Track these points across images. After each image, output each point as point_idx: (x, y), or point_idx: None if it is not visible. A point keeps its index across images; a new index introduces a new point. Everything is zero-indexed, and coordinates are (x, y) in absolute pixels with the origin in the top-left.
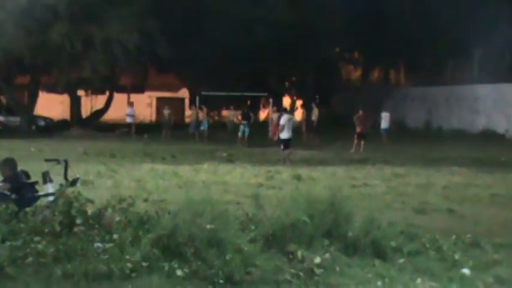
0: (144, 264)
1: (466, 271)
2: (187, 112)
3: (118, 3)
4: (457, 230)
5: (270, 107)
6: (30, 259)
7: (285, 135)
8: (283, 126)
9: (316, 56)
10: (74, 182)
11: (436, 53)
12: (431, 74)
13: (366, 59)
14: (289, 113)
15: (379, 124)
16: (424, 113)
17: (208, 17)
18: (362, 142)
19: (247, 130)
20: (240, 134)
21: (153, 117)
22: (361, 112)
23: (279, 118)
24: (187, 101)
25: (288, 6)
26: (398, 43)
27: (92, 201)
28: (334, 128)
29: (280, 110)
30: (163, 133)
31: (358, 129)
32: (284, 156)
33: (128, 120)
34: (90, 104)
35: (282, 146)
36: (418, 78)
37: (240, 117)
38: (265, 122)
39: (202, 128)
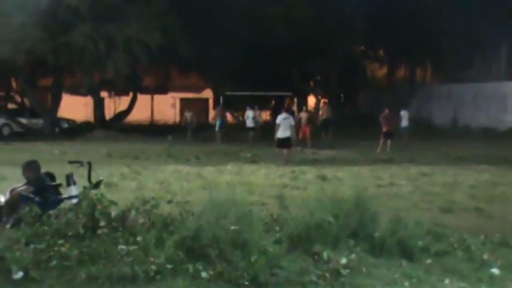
0: (169, 266)
1: (495, 271)
2: (212, 113)
3: (138, 2)
4: (485, 229)
5: (296, 107)
6: (54, 262)
7: (278, 134)
8: (278, 125)
9: (339, 54)
10: (97, 184)
11: (462, 50)
12: (457, 71)
13: (390, 57)
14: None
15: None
16: (451, 111)
17: (228, 15)
18: (388, 141)
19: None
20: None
21: (177, 118)
22: (387, 111)
23: (308, 119)
24: (211, 102)
25: (308, 2)
26: (424, 40)
27: (115, 203)
28: (359, 128)
29: (288, 109)
30: (188, 135)
31: (384, 129)
32: (284, 157)
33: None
34: (113, 105)
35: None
36: (444, 76)
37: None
38: None
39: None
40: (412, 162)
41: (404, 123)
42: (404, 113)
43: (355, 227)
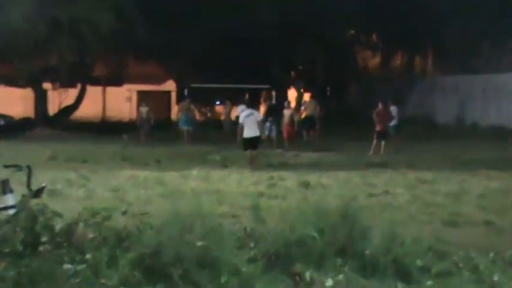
0: None
1: None
2: (175, 108)
3: None
4: (496, 245)
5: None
6: None
7: (245, 134)
8: (241, 125)
9: (325, 39)
10: (38, 192)
11: (469, 35)
12: (464, 60)
13: (386, 43)
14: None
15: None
16: (456, 107)
17: None
18: (382, 142)
19: (274, 128)
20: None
21: (134, 114)
22: (381, 106)
23: (291, 116)
24: (174, 95)
25: None
26: (425, 23)
27: (60, 215)
28: (348, 126)
29: (244, 103)
30: (141, 134)
31: (378, 127)
32: (249, 159)
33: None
34: (58, 99)
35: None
36: (448, 66)
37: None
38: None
39: (185, 126)
40: (411, 166)
41: (394, 121)
42: (393, 109)
43: (342, 243)
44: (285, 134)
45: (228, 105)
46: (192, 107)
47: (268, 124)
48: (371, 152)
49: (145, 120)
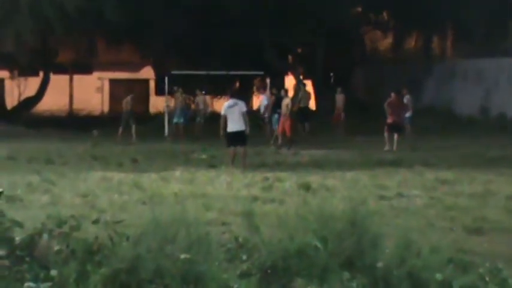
0: None
1: None
2: (153, 98)
3: None
4: None
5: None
6: None
7: (228, 127)
8: (223, 117)
9: (328, 17)
10: None
11: (495, 14)
12: (488, 42)
13: (398, 21)
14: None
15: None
16: (480, 95)
17: None
18: (395, 136)
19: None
20: (274, 127)
21: (106, 107)
22: (393, 96)
23: (287, 106)
24: (152, 83)
25: None
26: (444, 0)
27: (20, 225)
28: (355, 118)
29: (231, 92)
30: (120, 130)
31: (389, 120)
32: (231, 157)
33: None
34: (17, 89)
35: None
36: (471, 48)
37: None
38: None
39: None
40: (428, 165)
41: (408, 112)
42: (407, 98)
43: (350, 254)
44: (279, 129)
45: (199, 95)
46: (185, 97)
47: (276, 117)
48: (387, 147)
49: (128, 111)
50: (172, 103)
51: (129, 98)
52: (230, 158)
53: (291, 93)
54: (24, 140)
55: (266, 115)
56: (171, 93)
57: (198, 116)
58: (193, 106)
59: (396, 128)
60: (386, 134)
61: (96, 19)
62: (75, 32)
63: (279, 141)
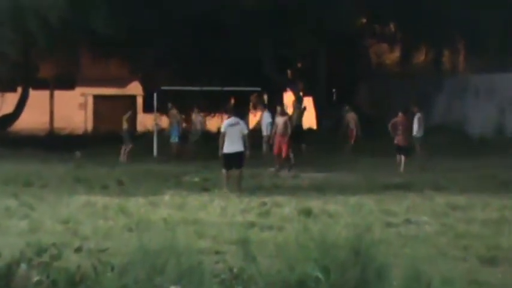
0: None
1: None
2: (140, 116)
3: None
4: None
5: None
6: None
7: (225, 148)
8: (223, 135)
9: (330, 29)
10: None
11: (508, 25)
12: (502, 56)
13: (406, 34)
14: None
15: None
16: (494, 113)
17: None
18: (402, 158)
19: None
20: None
21: (89, 125)
22: (400, 116)
23: (285, 124)
24: (140, 100)
25: None
26: (455, 11)
27: None
28: (360, 136)
29: (235, 111)
30: (122, 152)
31: (396, 140)
32: (226, 179)
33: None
34: None
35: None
36: (484, 62)
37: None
38: (257, 130)
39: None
40: (438, 188)
41: (417, 130)
42: (418, 117)
43: (354, 285)
44: (275, 149)
45: (197, 115)
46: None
47: None
48: (401, 169)
49: (126, 131)
50: (162, 121)
51: (127, 115)
52: (225, 180)
53: (290, 110)
54: (0, 161)
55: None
56: (163, 110)
57: (194, 136)
58: (184, 125)
59: (403, 149)
60: (398, 156)
61: (82, 31)
62: (58, 44)
63: (277, 163)
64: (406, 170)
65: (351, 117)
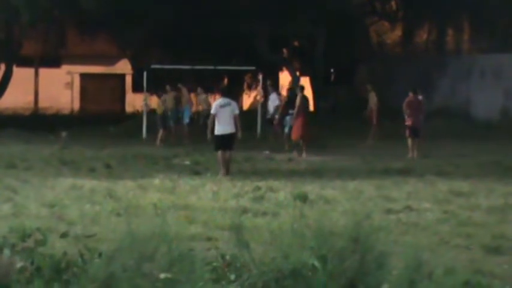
0: None
1: None
2: (129, 96)
3: None
4: None
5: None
6: None
7: (217, 129)
8: (213, 116)
9: (328, 6)
10: None
11: None
12: (509, 35)
13: (408, 12)
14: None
15: None
16: (500, 95)
17: None
18: (411, 142)
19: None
20: (286, 130)
21: (76, 104)
22: (411, 95)
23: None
24: (128, 79)
25: None
26: None
27: None
28: (359, 119)
29: (226, 91)
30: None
31: (408, 122)
32: (222, 162)
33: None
34: None
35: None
36: (490, 42)
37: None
38: (252, 112)
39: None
40: (441, 174)
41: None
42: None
43: (352, 275)
44: (294, 134)
45: (201, 93)
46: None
47: (288, 119)
48: (410, 155)
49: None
50: (151, 101)
51: (172, 94)
52: (220, 163)
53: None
54: None
55: (276, 116)
56: (152, 90)
57: (200, 117)
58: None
59: (415, 131)
60: (409, 140)
61: (67, 6)
62: (43, 20)
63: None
64: (417, 153)
65: (372, 97)
